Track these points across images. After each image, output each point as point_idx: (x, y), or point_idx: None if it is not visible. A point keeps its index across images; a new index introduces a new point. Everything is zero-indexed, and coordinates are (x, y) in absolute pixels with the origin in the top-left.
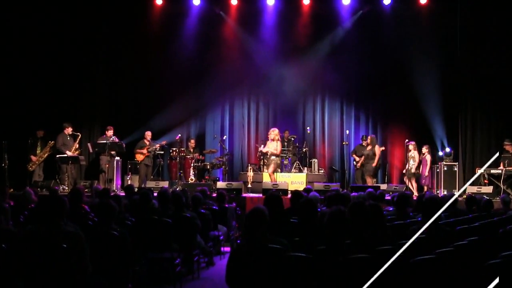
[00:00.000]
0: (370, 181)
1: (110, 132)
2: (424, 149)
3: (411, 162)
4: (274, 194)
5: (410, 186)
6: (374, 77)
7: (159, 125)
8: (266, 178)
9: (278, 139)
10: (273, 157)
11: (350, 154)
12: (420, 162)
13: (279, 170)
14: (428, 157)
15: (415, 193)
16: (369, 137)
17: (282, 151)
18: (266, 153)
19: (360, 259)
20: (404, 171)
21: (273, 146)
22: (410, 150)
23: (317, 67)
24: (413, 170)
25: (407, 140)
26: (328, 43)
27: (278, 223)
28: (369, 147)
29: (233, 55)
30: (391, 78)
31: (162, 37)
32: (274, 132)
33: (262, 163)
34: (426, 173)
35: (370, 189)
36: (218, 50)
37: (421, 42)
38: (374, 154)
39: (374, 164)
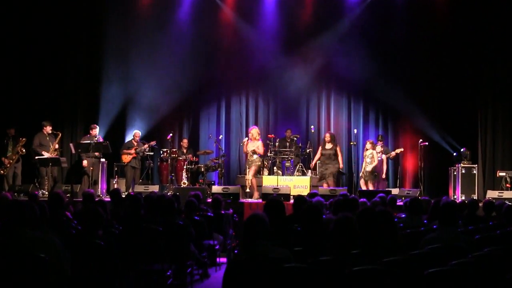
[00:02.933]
0: (332, 184)
1: (94, 131)
2: (379, 148)
3: (368, 161)
4: (275, 200)
5: (366, 189)
6: (384, 71)
7: (149, 123)
8: (266, 181)
9: (259, 138)
10: (255, 157)
11: (362, 156)
12: (379, 162)
13: (263, 173)
14: (384, 157)
15: None
16: (327, 134)
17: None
18: (246, 154)
19: (369, 271)
20: (360, 174)
21: (254, 146)
22: (368, 149)
23: (322, 59)
24: (367, 170)
25: (420, 140)
26: (334, 33)
27: (280, 232)
28: (329, 145)
29: (229, 47)
30: (403, 72)
31: (152, 27)
32: (254, 130)
33: (261, 165)
34: (384, 175)
35: (380, 194)
36: (213, 41)
37: (437, 33)
38: (336, 154)
39: (341, 166)
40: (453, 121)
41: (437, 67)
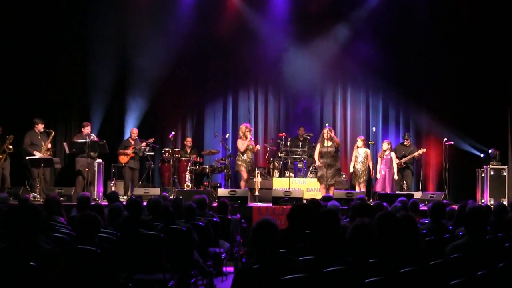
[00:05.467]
0: (332, 191)
1: (87, 129)
2: (386, 145)
3: (360, 160)
4: (302, 205)
5: (359, 191)
6: (405, 65)
7: (149, 120)
8: (276, 184)
9: (249, 136)
10: (247, 158)
11: (376, 156)
12: (388, 161)
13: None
14: (393, 155)
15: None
16: (326, 130)
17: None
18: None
19: (388, 282)
20: (351, 173)
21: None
22: (358, 147)
23: (337, 51)
24: (360, 169)
25: (445, 139)
26: (350, 23)
27: (303, 239)
28: (328, 143)
29: (237, 37)
30: (426, 66)
31: (152, 16)
32: (246, 128)
33: (272, 166)
34: (396, 176)
35: (401, 198)
36: (219, 31)
37: (463, 24)
38: (337, 153)
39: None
40: (481, 119)
41: (463, 61)
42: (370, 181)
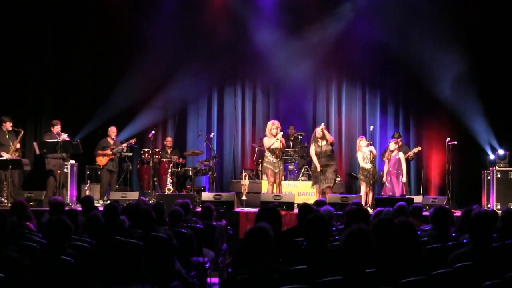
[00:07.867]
0: (329, 192)
1: (57, 128)
2: (393, 145)
3: (367, 161)
4: (270, 208)
5: (364, 195)
6: (406, 58)
7: (127, 119)
8: (265, 187)
9: (279, 134)
10: (274, 159)
11: (380, 157)
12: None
13: (262, 177)
14: (401, 155)
15: (369, 205)
16: (317, 129)
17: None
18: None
19: None
20: (359, 176)
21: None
22: (361, 146)
23: (331, 43)
24: (370, 169)
25: (448, 138)
26: (346, 12)
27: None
28: (323, 142)
29: (222, 28)
30: (428, 59)
31: (129, 4)
32: (272, 125)
33: (260, 168)
34: (405, 178)
35: (401, 202)
36: (203, 21)
37: (474, 12)
38: (333, 152)
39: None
40: (487, 118)
41: (471, 54)
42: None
